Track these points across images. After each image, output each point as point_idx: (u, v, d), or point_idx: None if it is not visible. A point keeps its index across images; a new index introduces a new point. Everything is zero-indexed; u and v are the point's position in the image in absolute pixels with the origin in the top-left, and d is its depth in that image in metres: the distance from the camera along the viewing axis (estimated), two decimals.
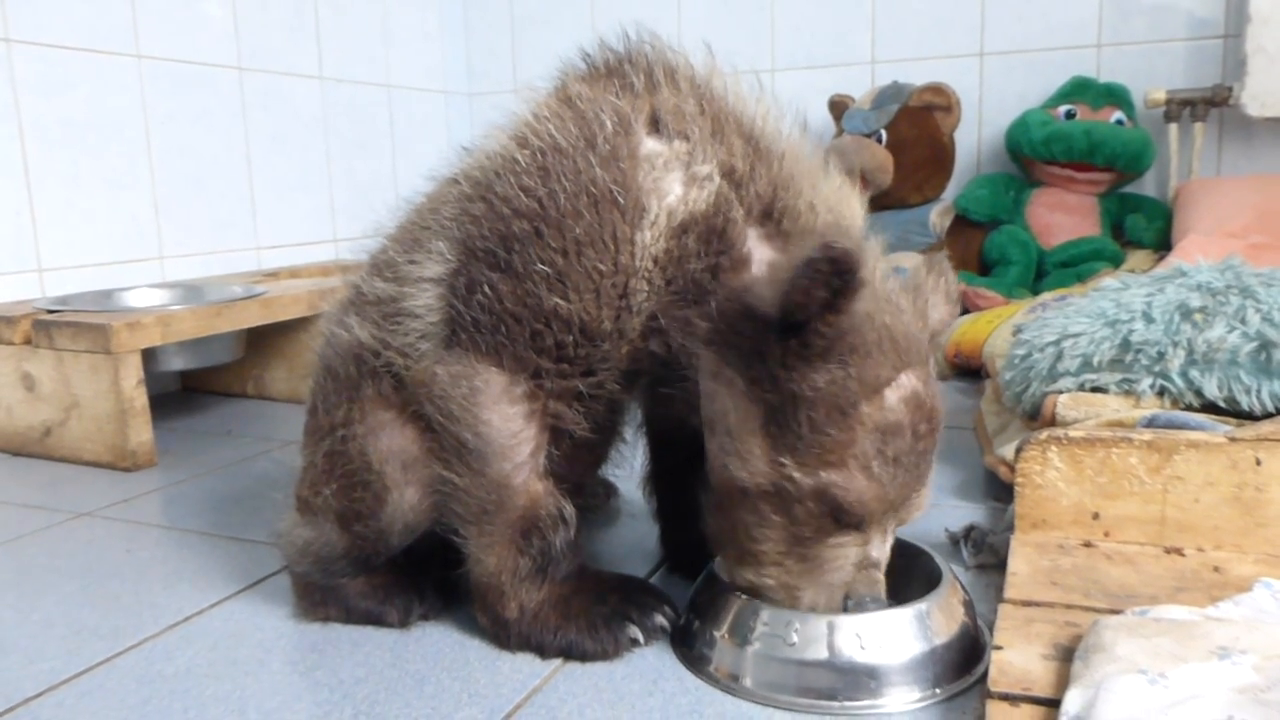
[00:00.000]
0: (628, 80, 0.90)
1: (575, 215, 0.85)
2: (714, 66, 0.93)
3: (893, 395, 0.79)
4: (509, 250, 0.87)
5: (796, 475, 0.80)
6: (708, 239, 0.86)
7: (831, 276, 0.74)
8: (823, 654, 0.83)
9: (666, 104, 0.88)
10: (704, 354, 0.86)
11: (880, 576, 0.85)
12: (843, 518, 0.81)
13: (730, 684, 0.86)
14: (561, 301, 0.86)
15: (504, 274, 0.87)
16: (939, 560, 0.94)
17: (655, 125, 0.88)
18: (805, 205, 0.87)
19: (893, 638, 0.83)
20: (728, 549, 0.90)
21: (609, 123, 0.87)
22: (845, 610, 0.85)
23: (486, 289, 0.88)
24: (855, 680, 0.82)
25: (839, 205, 0.89)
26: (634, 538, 1.23)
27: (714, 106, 0.89)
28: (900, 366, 0.80)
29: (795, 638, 0.84)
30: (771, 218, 0.87)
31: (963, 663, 0.86)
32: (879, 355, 0.79)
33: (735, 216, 0.86)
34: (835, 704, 0.82)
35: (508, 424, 0.89)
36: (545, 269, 0.86)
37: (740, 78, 0.93)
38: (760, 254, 0.86)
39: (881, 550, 0.85)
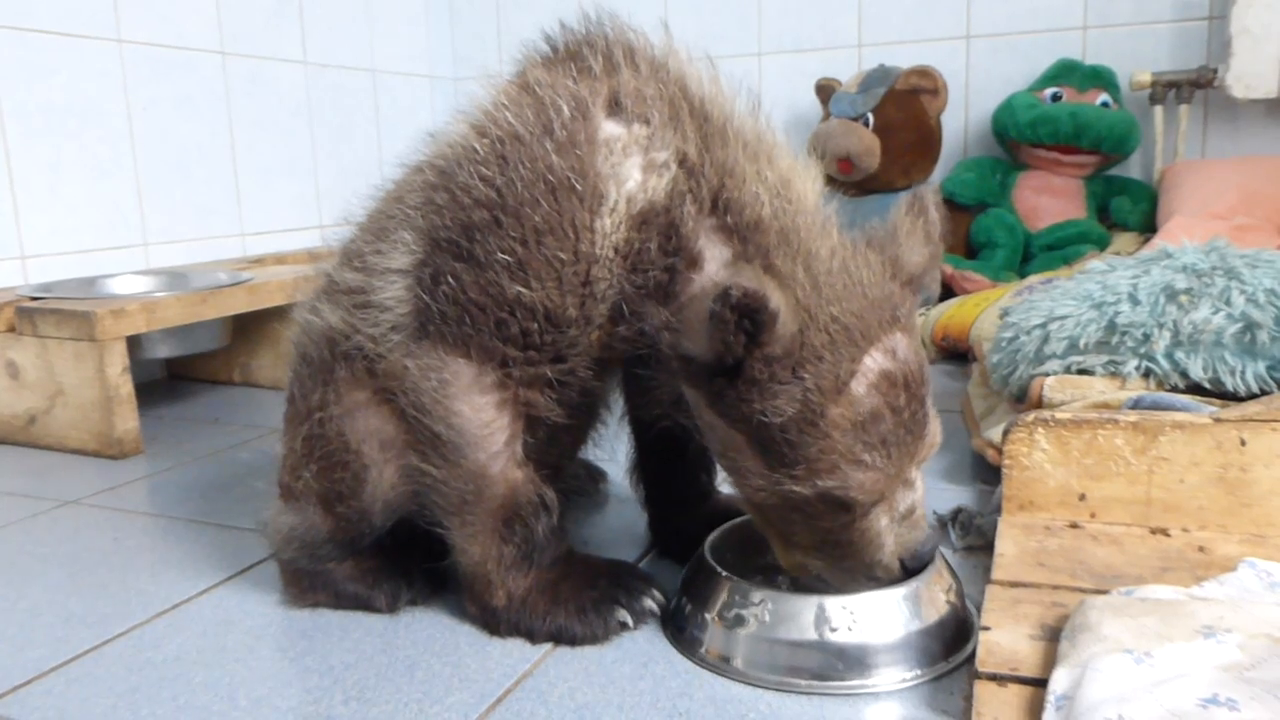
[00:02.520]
0: (585, 63, 0.89)
1: (533, 203, 0.84)
2: (670, 46, 0.92)
3: (860, 386, 0.78)
4: (470, 240, 0.86)
5: (795, 488, 0.80)
6: (666, 235, 0.85)
7: (741, 319, 0.74)
8: (811, 635, 0.83)
9: (627, 86, 0.87)
10: (683, 384, 0.87)
11: (919, 514, 0.85)
12: (854, 509, 0.81)
13: (721, 665, 0.86)
14: (524, 290, 0.86)
15: (467, 264, 0.87)
16: None
17: (614, 108, 0.87)
18: (750, 196, 0.84)
19: (881, 618, 0.84)
20: (773, 536, 0.90)
21: (566, 108, 0.86)
22: (904, 568, 0.84)
23: (450, 279, 0.87)
24: (844, 660, 0.83)
25: (785, 189, 0.86)
26: (623, 523, 1.23)
27: (670, 89, 0.88)
28: (859, 353, 0.78)
29: (783, 619, 0.84)
30: (718, 210, 0.85)
31: (952, 643, 0.86)
32: (832, 354, 0.78)
33: (689, 210, 0.85)
34: (824, 684, 0.82)
35: (479, 414, 0.89)
36: (506, 258, 0.85)
37: (694, 58, 0.92)
38: (711, 251, 0.85)
39: (910, 497, 0.84)
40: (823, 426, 0.78)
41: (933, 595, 0.87)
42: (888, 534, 0.84)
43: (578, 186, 0.84)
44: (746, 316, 0.74)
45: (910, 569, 0.85)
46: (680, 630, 0.91)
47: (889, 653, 0.83)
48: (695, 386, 0.85)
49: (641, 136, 0.86)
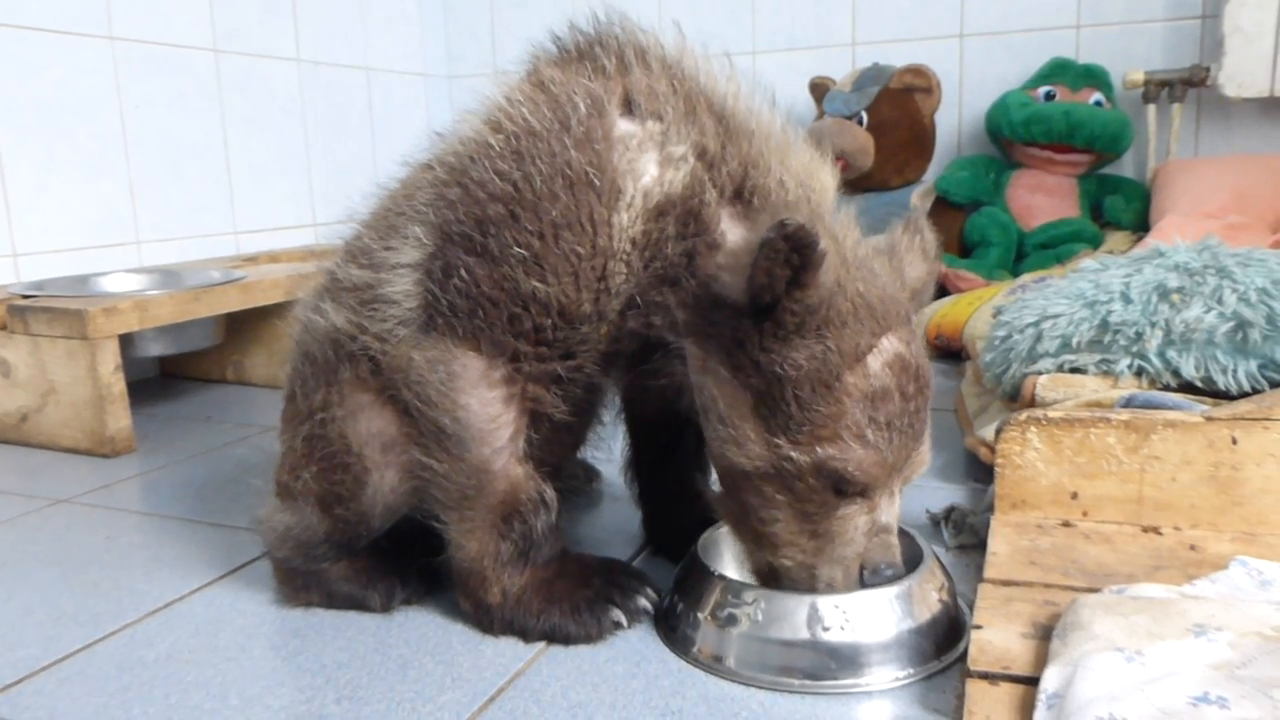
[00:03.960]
0: (599, 62, 0.90)
1: (551, 198, 0.85)
2: (684, 46, 0.93)
3: (876, 361, 0.80)
4: (485, 234, 0.87)
5: (793, 454, 0.81)
6: (684, 222, 0.86)
7: (790, 253, 0.76)
8: (804, 634, 0.83)
9: (639, 85, 0.88)
10: (687, 345, 0.87)
11: (894, 541, 0.86)
12: (845, 488, 0.81)
13: (713, 665, 0.86)
14: (539, 284, 0.86)
15: (480, 258, 0.87)
16: (920, 541, 0.94)
17: (628, 106, 0.88)
18: (775, 182, 0.87)
19: (874, 617, 0.84)
20: (743, 533, 0.90)
21: (582, 105, 0.86)
22: (863, 581, 0.85)
23: (463, 273, 0.87)
24: (837, 659, 0.83)
25: (808, 179, 0.89)
26: (617, 521, 1.23)
27: (685, 86, 0.89)
28: (880, 331, 0.81)
29: (776, 618, 0.84)
30: (742, 197, 0.87)
31: (944, 642, 0.86)
32: (855, 324, 0.80)
33: (709, 198, 0.86)
34: (817, 683, 0.82)
35: (486, 408, 0.89)
36: (522, 252, 0.85)
37: (710, 56, 0.93)
38: (733, 235, 0.86)
39: (890, 514, 0.85)
40: (836, 390, 0.79)
41: (925, 594, 0.87)
42: (862, 535, 0.84)
43: (595, 182, 0.85)
44: (796, 250, 0.75)
45: (866, 584, 0.85)
46: (673, 629, 0.91)
47: (881, 652, 0.83)
48: (713, 338, 0.85)
49: (656, 132, 0.87)
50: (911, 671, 0.83)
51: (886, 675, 0.83)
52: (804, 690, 0.82)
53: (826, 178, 0.91)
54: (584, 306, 0.87)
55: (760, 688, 0.83)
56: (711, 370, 0.85)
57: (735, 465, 0.85)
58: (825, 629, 0.83)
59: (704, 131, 0.87)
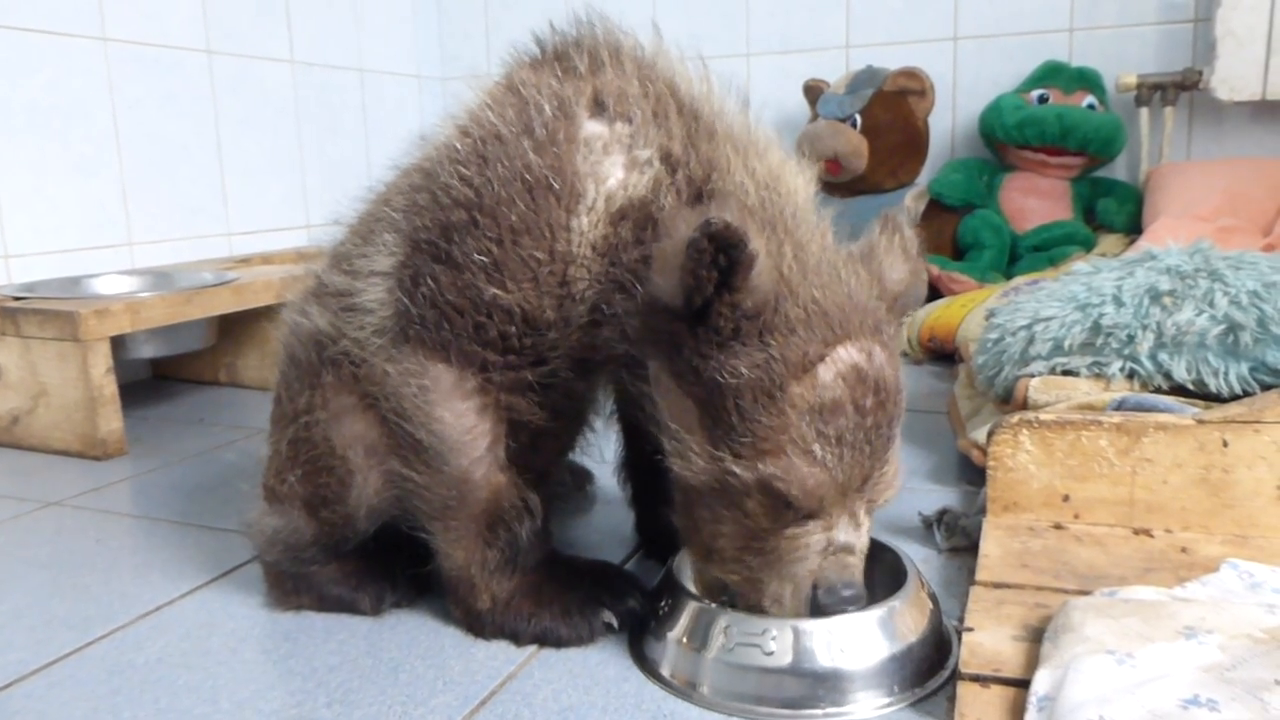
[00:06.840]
0: (571, 64, 0.89)
1: (509, 202, 0.83)
2: (660, 46, 0.92)
3: (827, 372, 0.75)
4: (449, 241, 0.86)
5: (736, 469, 0.77)
6: (642, 226, 0.84)
7: (716, 254, 0.72)
8: (786, 660, 0.80)
9: (609, 86, 0.87)
10: (643, 352, 0.84)
11: (853, 561, 0.80)
12: (790, 509, 0.77)
13: (687, 691, 0.83)
14: (500, 291, 0.85)
15: (445, 265, 0.86)
16: (905, 559, 0.91)
17: (597, 107, 0.86)
18: (735, 186, 0.83)
19: (858, 641, 0.81)
20: (694, 548, 0.87)
21: (548, 107, 0.85)
22: (815, 602, 0.79)
23: (429, 281, 0.86)
24: (820, 686, 0.79)
25: (775, 183, 0.85)
26: (610, 524, 1.23)
27: (656, 88, 0.87)
28: (834, 340, 0.76)
29: (757, 642, 0.81)
30: (701, 200, 0.83)
31: (930, 664, 0.84)
32: (805, 332, 0.75)
33: (668, 202, 0.83)
34: (799, 712, 0.79)
35: (460, 420, 0.89)
36: (482, 259, 0.84)
37: (685, 58, 0.92)
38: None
39: (851, 534, 0.80)
40: (780, 401, 0.75)
41: (911, 617, 0.84)
42: (812, 556, 0.79)
43: (555, 185, 0.84)
44: (723, 251, 0.72)
45: (822, 608, 0.79)
46: (644, 653, 0.89)
47: (868, 677, 0.80)
48: (655, 344, 0.82)
49: (624, 135, 0.86)
50: (899, 696, 0.81)
51: (873, 702, 0.80)
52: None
53: (798, 181, 0.88)
54: (547, 313, 0.86)
55: (740, 716, 0.80)
56: (659, 380, 0.83)
57: (683, 478, 0.82)
58: (809, 654, 0.80)
59: (671, 135, 0.85)
